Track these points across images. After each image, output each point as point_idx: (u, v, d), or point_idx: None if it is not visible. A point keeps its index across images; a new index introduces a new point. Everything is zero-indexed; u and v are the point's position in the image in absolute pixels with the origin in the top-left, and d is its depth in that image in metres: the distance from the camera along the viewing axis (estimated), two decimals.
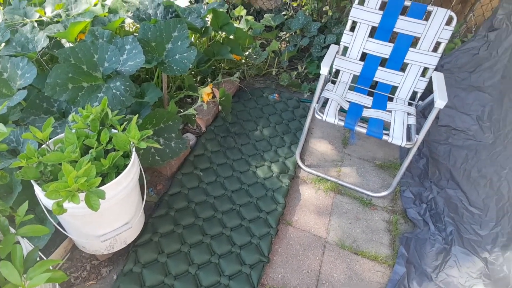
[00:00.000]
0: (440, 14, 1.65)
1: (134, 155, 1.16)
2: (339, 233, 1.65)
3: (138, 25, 2.09)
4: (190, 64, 1.53)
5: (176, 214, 1.56)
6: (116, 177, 1.10)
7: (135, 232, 1.38)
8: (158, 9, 1.81)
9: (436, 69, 1.94)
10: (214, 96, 2.02)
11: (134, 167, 1.16)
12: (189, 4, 2.39)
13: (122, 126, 1.19)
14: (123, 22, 2.03)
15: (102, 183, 1.07)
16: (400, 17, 1.73)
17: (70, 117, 1.19)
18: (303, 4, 2.82)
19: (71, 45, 1.60)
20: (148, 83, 1.66)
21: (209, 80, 2.28)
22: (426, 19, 1.69)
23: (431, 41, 1.70)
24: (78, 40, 1.63)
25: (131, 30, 2.29)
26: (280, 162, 1.92)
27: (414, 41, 1.75)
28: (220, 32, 2.24)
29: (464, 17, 2.53)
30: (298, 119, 2.26)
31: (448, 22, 1.66)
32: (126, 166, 1.13)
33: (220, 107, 2.10)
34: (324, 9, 2.72)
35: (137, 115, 1.17)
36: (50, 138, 1.15)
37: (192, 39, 2.36)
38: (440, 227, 1.68)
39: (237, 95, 2.39)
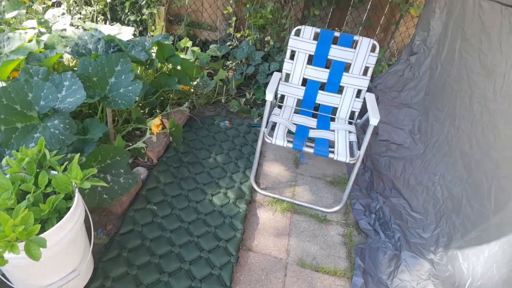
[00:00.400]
0: (365, 42, 1.86)
1: (77, 197, 1.09)
2: (299, 252, 1.68)
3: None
4: (135, 97, 1.52)
5: (129, 255, 1.47)
6: (58, 222, 1.02)
7: (83, 279, 1.27)
8: (98, 44, 1.78)
9: (369, 90, 2.15)
10: (164, 127, 2.00)
11: (77, 209, 1.09)
12: (132, 37, 2.39)
13: (63, 167, 1.12)
14: (61, 57, 1.96)
15: (43, 229, 0.98)
16: (332, 46, 1.91)
17: (3, 161, 1.09)
18: (246, 35, 2.97)
19: (3, 84, 1.49)
20: (92, 118, 1.60)
21: (158, 111, 2.26)
22: (354, 47, 1.89)
23: (360, 66, 1.90)
24: (11, 78, 1.53)
25: (71, 65, 2.21)
26: (235, 187, 1.93)
27: (346, 66, 1.94)
28: (166, 63, 2.26)
29: (387, 44, 2.87)
30: (250, 144, 2.31)
31: (373, 49, 1.87)
32: (69, 209, 1.06)
33: (171, 138, 2.08)
34: (266, 39, 2.89)
35: (78, 154, 1.12)
36: None
37: (138, 71, 2.34)
38: (389, 235, 1.79)
39: (188, 124, 2.39)
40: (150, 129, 1.80)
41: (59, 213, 1.08)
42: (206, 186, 1.90)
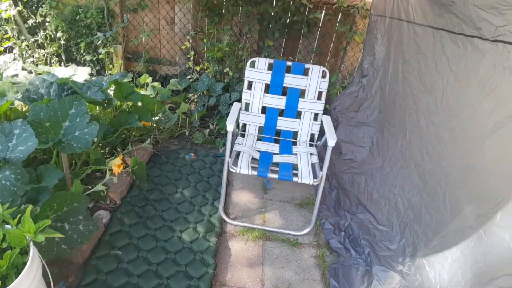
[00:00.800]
0: (315, 69, 1.99)
1: (32, 251, 1.02)
2: (274, 280, 1.66)
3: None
4: (92, 139, 1.48)
5: None
6: (16, 277, 0.95)
7: None
8: (51, 88, 1.74)
9: (327, 112, 2.27)
10: (126, 166, 1.95)
11: (33, 265, 1.01)
12: (89, 77, 2.37)
13: (16, 220, 1.06)
14: (13, 104, 1.88)
15: (4, 286, 0.91)
16: (286, 74, 2.02)
17: None
18: (205, 67, 3.05)
19: None
20: (46, 165, 1.53)
21: (119, 150, 2.21)
22: (307, 74, 2.01)
23: (314, 91, 2.02)
24: None
25: (23, 110, 2.12)
26: (205, 220, 1.90)
27: (301, 92, 2.05)
28: (126, 101, 2.24)
29: (338, 68, 3.07)
30: (217, 174, 2.31)
31: (323, 76, 2.00)
32: (26, 264, 0.99)
33: (134, 177, 2.03)
34: (225, 70, 2.98)
35: (31, 206, 1.06)
36: None
37: (97, 111, 2.30)
38: (359, 251, 1.83)
39: (152, 160, 2.35)
40: (111, 170, 1.75)
41: (17, 269, 1.01)
42: (174, 223, 1.86)
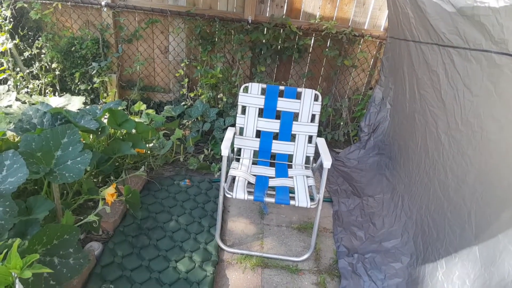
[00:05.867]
0: (308, 93, 2.02)
1: None
2: None
3: None
4: (85, 167, 1.46)
5: None
6: None
7: None
8: (44, 118, 1.73)
9: (321, 135, 2.28)
10: (120, 195, 1.91)
11: None
12: (83, 106, 2.37)
13: (2, 255, 1.01)
14: (5, 134, 1.87)
15: None
16: (279, 98, 2.05)
17: None
18: (199, 94, 3.08)
19: None
20: (36, 196, 1.49)
21: (112, 178, 2.17)
22: (299, 98, 2.05)
23: (307, 114, 2.04)
24: None
25: (15, 140, 2.10)
26: (201, 249, 1.84)
27: (295, 116, 2.07)
28: (120, 129, 2.24)
29: (330, 90, 3.13)
30: (213, 200, 2.27)
31: (316, 99, 2.03)
32: None
33: (127, 205, 1.98)
34: (219, 96, 3.02)
35: (18, 240, 1.02)
36: None
37: (91, 139, 2.28)
38: (375, 276, 1.75)
39: (146, 188, 2.31)
40: (104, 199, 1.71)
41: None
42: (169, 252, 1.79)
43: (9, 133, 2.01)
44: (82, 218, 1.68)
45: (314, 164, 2.11)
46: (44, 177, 1.52)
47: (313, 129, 2.06)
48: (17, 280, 0.99)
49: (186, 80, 3.10)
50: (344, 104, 3.09)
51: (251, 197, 1.73)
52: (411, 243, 1.87)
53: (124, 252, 1.74)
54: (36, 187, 1.84)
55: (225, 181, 1.82)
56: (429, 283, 1.61)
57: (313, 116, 2.06)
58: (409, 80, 2.30)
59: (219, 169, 2.57)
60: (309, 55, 3.04)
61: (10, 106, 2.32)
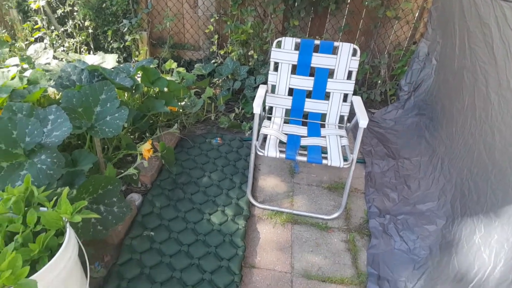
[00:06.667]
0: (345, 48, 1.89)
1: (68, 232, 1.06)
2: (303, 264, 1.65)
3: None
4: (122, 123, 1.51)
5: (129, 285, 1.43)
6: (50, 260, 0.98)
7: None
8: (82, 75, 1.78)
9: (356, 93, 2.16)
10: (155, 151, 1.98)
11: (69, 245, 1.05)
12: (116, 64, 2.40)
13: (52, 202, 1.10)
14: (46, 91, 1.95)
15: (34, 270, 0.95)
16: (314, 54, 1.93)
17: None
18: (229, 51, 3.00)
19: None
20: (80, 149, 1.58)
21: (148, 135, 2.24)
22: (336, 53, 1.92)
23: (344, 71, 1.92)
24: None
25: (56, 97, 2.20)
26: (233, 204, 1.91)
27: (330, 73, 1.96)
28: (152, 87, 2.26)
29: (368, 46, 2.91)
30: (244, 158, 2.30)
31: (354, 54, 1.90)
32: (61, 245, 1.03)
33: (163, 161, 2.06)
34: (249, 53, 2.92)
35: (67, 188, 1.10)
36: None
37: (126, 97, 2.34)
38: (407, 237, 1.73)
39: (180, 145, 2.37)
40: (141, 154, 1.79)
41: (51, 251, 1.05)
42: (203, 206, 1.88)
43: (50, 90, 2.11)
44: (122, 171, 1.78)
45: (348, 124, 2.03)
46: (86, 132, 1.60)
47: (349, 87, 1.95)
48: (67, 225, 1.08)
49: (216, 36, 3.01)
50: (383, 61, 2.87)
51: (283, 155, 1.72)
52: (448, 206, 1.81)
53: (162, 204, 1.84)
54: (79, 142, 1.95)
55: (257, 139, 1.81)
56: (465, 245, 1.57)
57: (350, 72, 1.94)
58: (460, 33, 2.07)
59: (250, 128, 2.57)
60: (347, 6, 2.80)
61: (48, 63, 2.40)
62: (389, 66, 2.95)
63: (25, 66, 2.13)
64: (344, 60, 1.91)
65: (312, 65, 1.96)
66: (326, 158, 1.71)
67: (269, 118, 2.07)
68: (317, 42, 1.93)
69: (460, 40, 2.07)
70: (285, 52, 1.96)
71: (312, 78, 1.98)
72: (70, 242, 1.06)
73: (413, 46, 2.78)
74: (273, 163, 2.31)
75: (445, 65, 2.34)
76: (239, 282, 1.49)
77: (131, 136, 2.24)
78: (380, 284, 1.56)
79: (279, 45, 1.97)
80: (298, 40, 1.94)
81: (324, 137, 1.90)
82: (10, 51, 2.77)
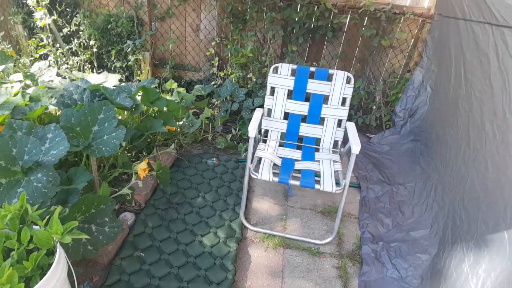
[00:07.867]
0: (340, 75, 1.95)
1: (58, 252, 1.06)
2: None
3: None
4: (119, 142, 1.54)
5: None
6: (41, 279, 0.99)
7: None
8: (84, 94, 1.82)
9: (351, 119, 2.21)
10: (151, 170, 2.00)
11: (59, 266, 1.06)
12: (118, 83, 2.46)
13: (45, 221, 1.11)
14: (47, 108, 1.99)
15: (28, 287, 0.96)
16: (309, 80, 1.99)
17: None
18: (229, 73, 3.08)
19: None
20: (76, 167, 1.60)
21: (144, 154, 2.27)
22: (330, 80, 1.98)
23: (338, 97, 1.98)
24: None
25: (57, 114, 2.24)
26: (225, 226, 1.91)
27: (325, 98, 2.01)
28: (152, 106, 2.31)
29: (364, 72, 3.00)
30: (239, 179, 2.32)
31: (348, 81, 1.96)
32: (51, 265, 1.03)
33: (158, 180, 2.07)
34: (248, 76, 3.00)
35: (59, 207, 1.11)
36: None
37: (125, 115, 2.39)
38: (399, 265, 1.73)
39: (176, 164, 2.39)
40: (136, 173, 1.80)
41: (42, 270, 1.05)
42: (196, 227, 1.88)
43: (51, 107, 2.15)
44: (117, 190, 1.79)
45: (342, 149, 2.07)
46: (83, 150, 1.63)
47: (343, 113, 2.00)
48: (58, 244, 1.09)
49: (216, 59, 3.10)
50: (378, 87, 2.95)
51: (276, 179, 1.74)
52: (440, 234, 1.81)
53: (154, 224, 1.84)
54: (76, 159, 1.97)
55: (251, 162, 1.84)
56: (453, 274, 1.56)
57: (344, 99, 1.99)
58: (456, 63, 2.13)
59: (246, 149, 2.60)
60: (344, 34, 2.91)
61: (51, 81, 2.46)
62: (384, 93, 3.02)
63: (28, 82, 2.19)
64: (338, 87, 1.97)
65: (307, 90, 2.02)
66: (319, 182, 1.73)
67: (265, 141, 2.11)
68: (312, 69, 1.99)
69: (456, 69, 2.13)
70: (281, 77, 2.03)
71: (308, 103, 2.03)
72: (60, 262, 1.06)
73: (407, 74, 2.86)
74: (267, 185, 2.32)
75: (439, 94, 2.40)
76: None
77: (128, 154, 2.26)
78: None
79: (276, 70, 2.04)
80: (294, 66, 2.01)
81: (318, 161, 1.93)
82: (14, 66, 2.85)
